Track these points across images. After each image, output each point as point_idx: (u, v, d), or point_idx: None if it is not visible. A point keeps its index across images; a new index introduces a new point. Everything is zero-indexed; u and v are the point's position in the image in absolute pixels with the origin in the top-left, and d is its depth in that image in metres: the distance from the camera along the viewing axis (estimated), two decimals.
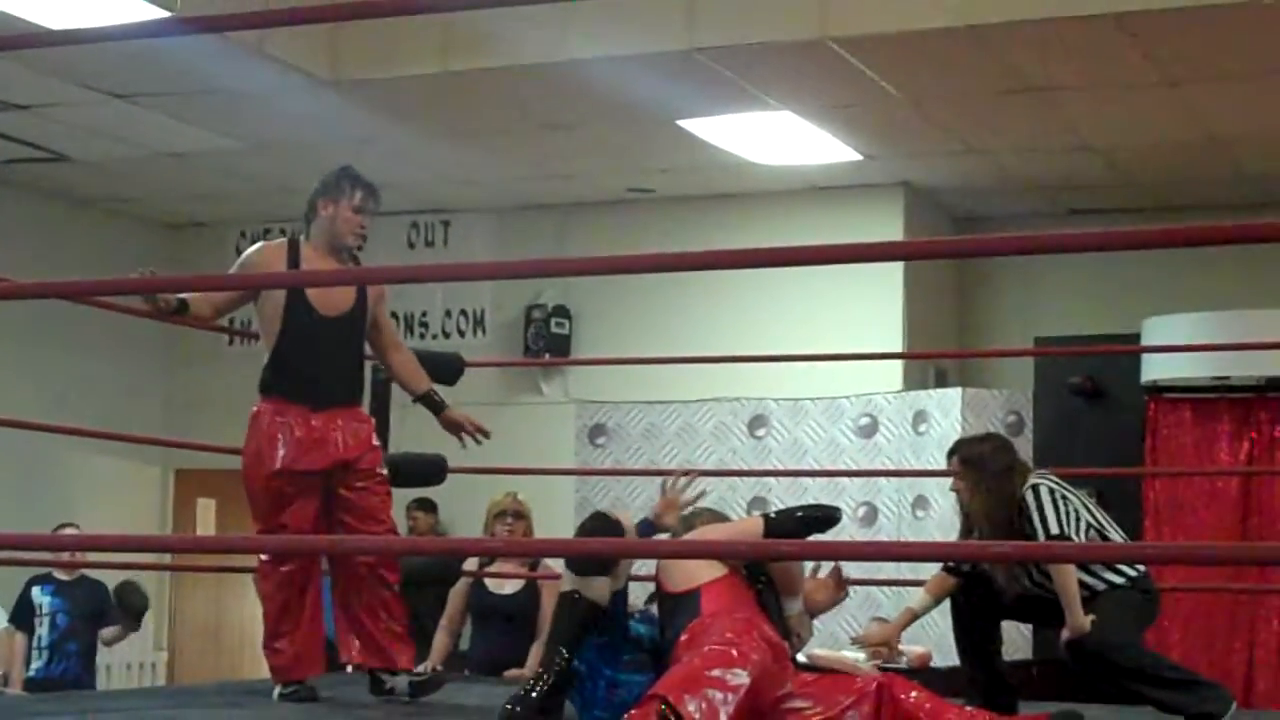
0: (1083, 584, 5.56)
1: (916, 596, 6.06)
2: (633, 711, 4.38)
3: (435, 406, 6.48)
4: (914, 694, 4.74)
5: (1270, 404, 10.10)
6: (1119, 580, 5.61)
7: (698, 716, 4.34)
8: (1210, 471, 10.13)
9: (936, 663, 9.35)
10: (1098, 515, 5.72)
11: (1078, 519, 5.59)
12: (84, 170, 11.61)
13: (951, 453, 5.88)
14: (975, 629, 5.87)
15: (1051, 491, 5.62)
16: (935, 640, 9.47)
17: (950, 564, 5.89)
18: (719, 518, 5.59)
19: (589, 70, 9.05)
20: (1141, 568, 5.71)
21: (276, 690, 6.02)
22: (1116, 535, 5.74)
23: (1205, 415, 10.27)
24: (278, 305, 6.09)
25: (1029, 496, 5.61)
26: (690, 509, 5.55)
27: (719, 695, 4.42)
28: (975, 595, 5.80)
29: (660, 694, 4.39)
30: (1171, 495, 10.24)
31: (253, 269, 6.17)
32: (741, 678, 4.51)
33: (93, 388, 12.34)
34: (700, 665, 4.54)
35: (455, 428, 6.49)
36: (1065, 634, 5.56)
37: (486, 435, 6.49)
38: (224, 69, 9.18)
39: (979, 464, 5.73)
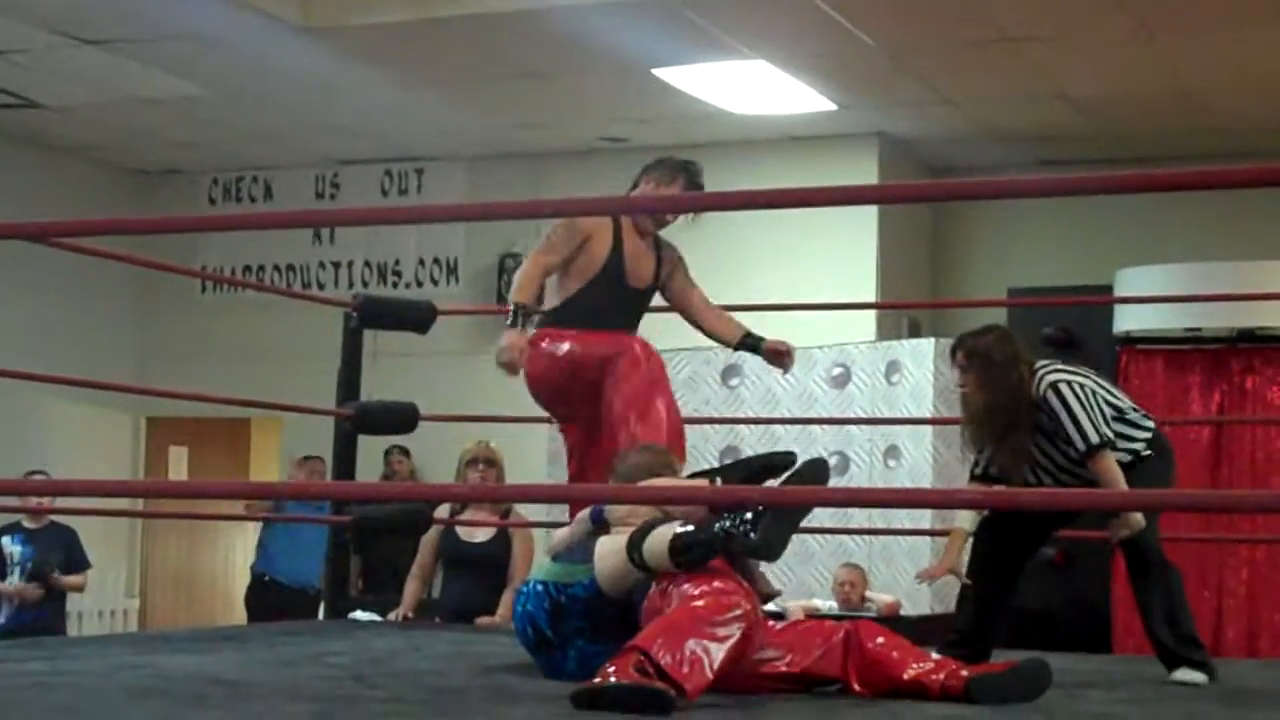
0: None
1: (961, 516, 5.96)
2: (609, 665, 4.35)
3: (754, 345, 6.46)
4: (881, 639, 4.74)
5: (1241, 355, 10.12)
6: (1143, 448, 5.60)
7: (685, 669, 4.30)
8: (1180, 420, 10.15)
9: (906, 611, 9.40)
10: (1109, 388, 5.67)
11: (1101, 409, 5.54)
12: (56, 117, 11.56)
13: (954, 349, 5.79)
14: (997, 573, 5.77)
15: (1070, 387, 5.52)
16: (906, 590, 9.51)
17: (976, 471, 5.85)
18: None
19: (563, 18, 9.02)
20: (1151, 423, 5.69)
21: None
22: (1127, 402, 5.70)
23: (1177, 366, 10.30)
24: (595, 264, 6.05)
25: (1053, 398, 5.49)
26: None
27: (704, 645, 4.36)
28: (1003, 538, 5.73)
29: (638, 645, 4.35)
30: None
31: (581, 229, 6.04)
32: (732, 629, 4.45)
33: (64, 335, 12.31)
34: (685, 616, 4.50)
35: (777, 356, 6.47)
36: (1123, 531, 5.50)
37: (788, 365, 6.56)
38: (197, 15, 9.14)
39: (984, 356, 5.65)
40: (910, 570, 9.89)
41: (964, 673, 4.63)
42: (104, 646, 6.00)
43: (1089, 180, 4.08)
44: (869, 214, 11.28)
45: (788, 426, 10.28)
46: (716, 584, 4.64)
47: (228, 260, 13.09)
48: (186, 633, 7.30)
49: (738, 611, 4.50)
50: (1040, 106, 10.55)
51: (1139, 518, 5.44)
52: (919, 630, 8.72)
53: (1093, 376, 5.64)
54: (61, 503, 9.03)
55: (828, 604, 9.33)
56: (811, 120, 11.03)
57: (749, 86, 10.27)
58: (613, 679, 4.26)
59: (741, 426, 10.50)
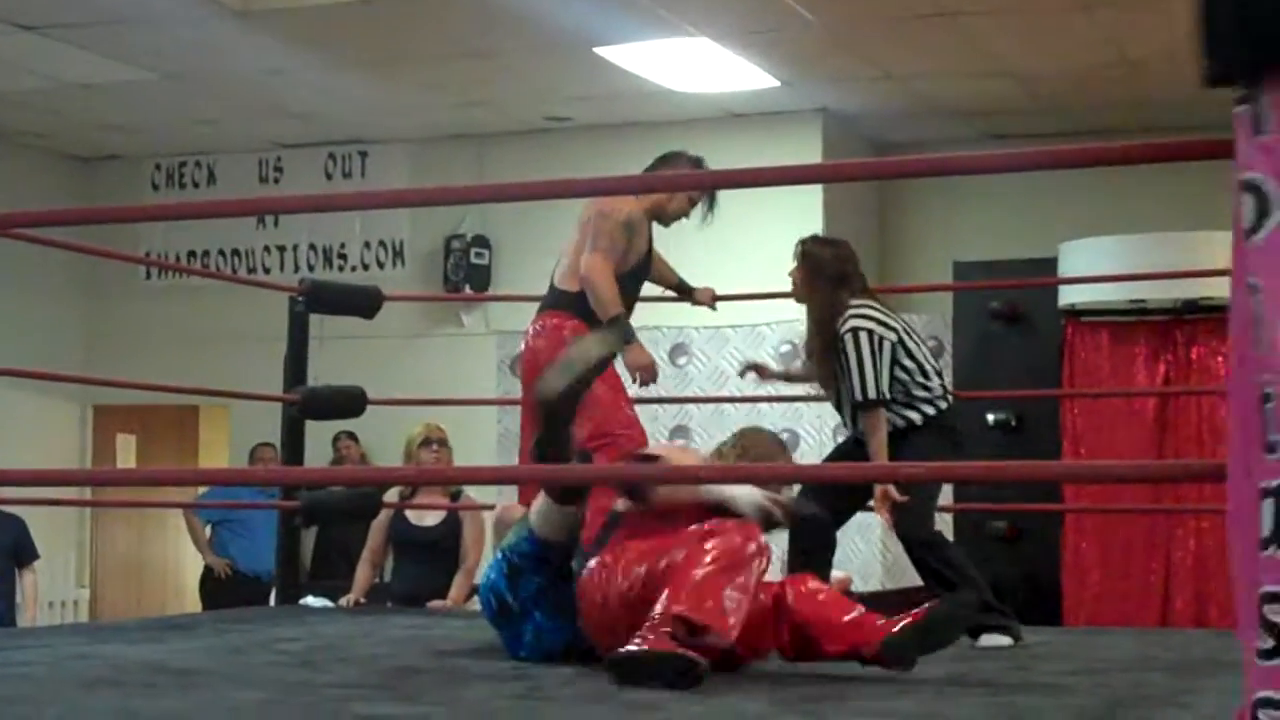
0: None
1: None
2: (644, 638, 4.36)
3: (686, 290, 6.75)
4: (808, 596, 4.75)
5: (1186, 326, 10.18)
6: (917, 419, 5.71)
7: (730, 620, 4.35)
8: (1127, 392, 10.21)
9: (858, 586, 9.43)
10: (915, 353, 5.77)
11: (893, 365, 5.67)
12: None
13: (798, 243, 5.98)
14: (816, 537, 5.90)
15: (870, 336, 5.66)
16: (858, 566, 9.56)
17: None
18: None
19: None
20: (944, 405, 5.77)
21: None
22: (934, 377, 5.79)
23: (1122, 338, 10.35)
24: (638, 257, 6.08)
25: (848, 341, 5.65)
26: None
27: (733, 598, 4.42)
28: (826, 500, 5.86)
29: (671, 612, 4.37)
30: (1089, 418, 10.31)
31: (635, 227, 6.04)
32: (750, 577, 4.50)
33: (9, 324, 12.23)
34: (707, 570, 4.50)
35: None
36: (875, 494, 5.65)
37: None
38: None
39: (815, 262, 5.85)
40: (861, 545, 9.96)
41: (878, 637, 4.62)
42: (54, 637, 5.98)
43: (1037, 154, 4.09)
44: (813, 190, 11.30)
45: (737, 405, 10.30)
46: (737, 539, 4.61)
47: (172, 246, 13.02)
48: (137, 622, 7.28)
49: (752, 548, 4.53)
50: (983, 81, 10.58)
51: (893, 493, 5.57)
52: (871, 605, 8.75)
53: (901, 329, 5.77)
54: (8, 493, 8.98)
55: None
56: (754, 97, 11.04)
57: (692, 64, 10.27)
58: (647, 646, 4.31)
59: (691, 405, 10.52)
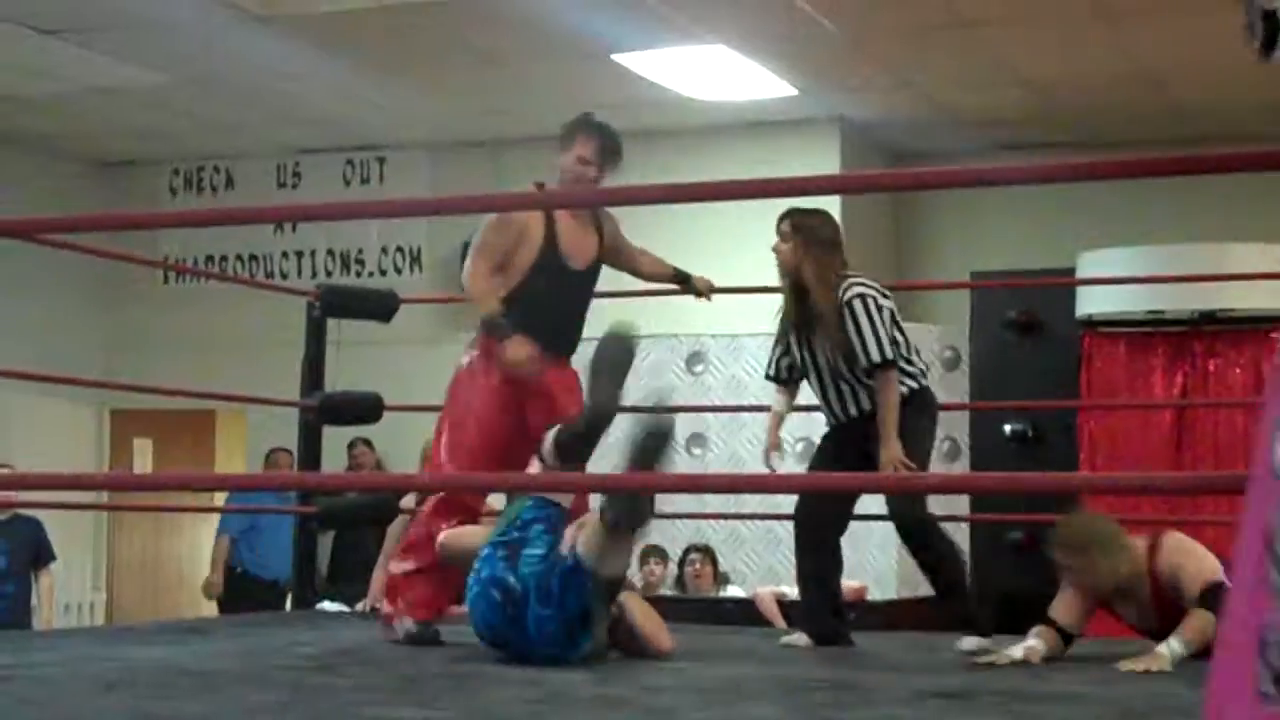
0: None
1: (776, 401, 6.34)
2: None
3: (683, 279, 6.61)
4: None
5: (1204, 338, 10.16)
6: (905, 392, 5.80)
7: None
8: (1144, 404, 10.19)
9: (873, 596, 9.42)
10: (902, 327, 5.90)
11: (891, 336, 5.76)
12: (13, 107, 11.49)
13: (781, 219, 6.03)
14: (820, 549, 5.95)
15: (877, 303, 5.76)
16: (875, 575, 9.53)
17: (770, 373, 6.31)
18: None
19: (523, 4, 9.01)
20: (924, 382, 5.92)
21: (408, 625, 5.85)
22: (915, 356, 5.94)
23: (1140, 349, 10.33)
24: (532, 252, 5.83)
25: (857, 306, 5.74)
26: None
27: None
28: (825, 507, 5.91)
29: None
30: (1106, 428, 10.30)
31: (512, 222, 5.80)
32: None
33: (27, 328, 12.25)
34: None
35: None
36: (883, 460, 5.69)
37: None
38: (155, 4, 9.11)
39: (810, 231, 5.92)
40: (878, 555, 9.93)
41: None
42: (70, 639, 5.99)
43: (1057, 167, 4.09)
44: (831, 199, 11.28)
45: (753, 413, 10.29)
46: None
47: (189, 250, 13.04)
48: (153, 625, 7.29)
49: None
50: (1000, 91, 10.57)
51: (898, 454, 5.65)
52: (885, 614, 8.75)
53: (892, 306, 5.86)
54: (28, 496, 9.01)
55: (794, 590, 9.34)
56: (772, 105, 11.03)
57: (710, 72, 10.27)
58: None
59: (708, 414, 10.51)
